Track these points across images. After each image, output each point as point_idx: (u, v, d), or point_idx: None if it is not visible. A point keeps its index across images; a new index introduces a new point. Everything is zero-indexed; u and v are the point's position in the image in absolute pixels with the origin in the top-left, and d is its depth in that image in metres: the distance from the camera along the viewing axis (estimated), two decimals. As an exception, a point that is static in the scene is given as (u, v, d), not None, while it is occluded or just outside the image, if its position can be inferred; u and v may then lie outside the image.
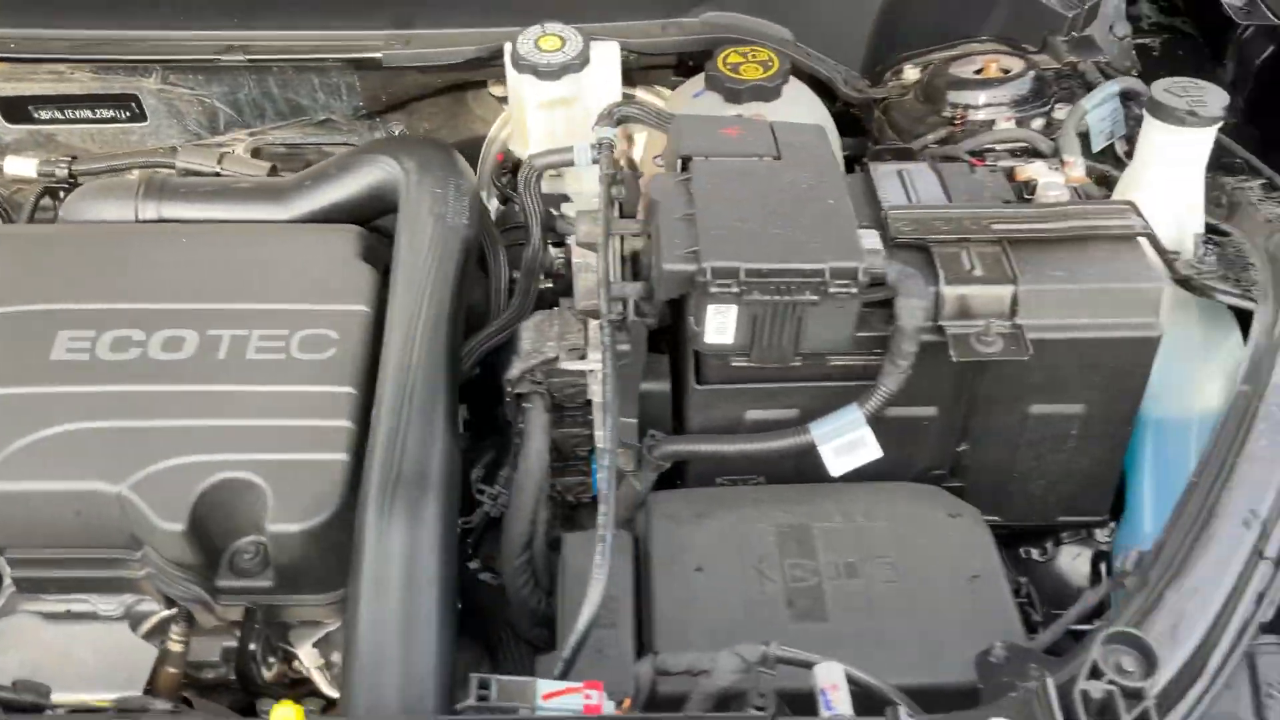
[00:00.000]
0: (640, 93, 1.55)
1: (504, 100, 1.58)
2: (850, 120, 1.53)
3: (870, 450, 1.06)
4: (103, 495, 1.02)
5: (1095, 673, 0.77)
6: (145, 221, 1.28)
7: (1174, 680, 0.80)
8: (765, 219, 1.06)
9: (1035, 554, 1.24)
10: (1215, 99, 1.18)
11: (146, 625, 1.09)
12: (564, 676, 0.85)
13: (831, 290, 1.02)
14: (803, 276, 1.02)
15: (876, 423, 1.10)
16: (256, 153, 1.60)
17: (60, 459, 1.04)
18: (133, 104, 1.59)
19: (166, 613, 1.08)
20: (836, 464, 1.06)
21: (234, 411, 1.07)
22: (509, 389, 1.14)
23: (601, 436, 1.05)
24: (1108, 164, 1.32)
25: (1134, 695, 0.76)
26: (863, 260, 1.02)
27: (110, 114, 1.61)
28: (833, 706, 0.80)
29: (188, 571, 1.04)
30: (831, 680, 0.81)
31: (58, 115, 1.60)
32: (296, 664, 1.13)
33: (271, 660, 1.08)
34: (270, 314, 1.14)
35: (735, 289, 1.02)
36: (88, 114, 1.61)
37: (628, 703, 0.85)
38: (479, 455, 1.29)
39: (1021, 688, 0.80)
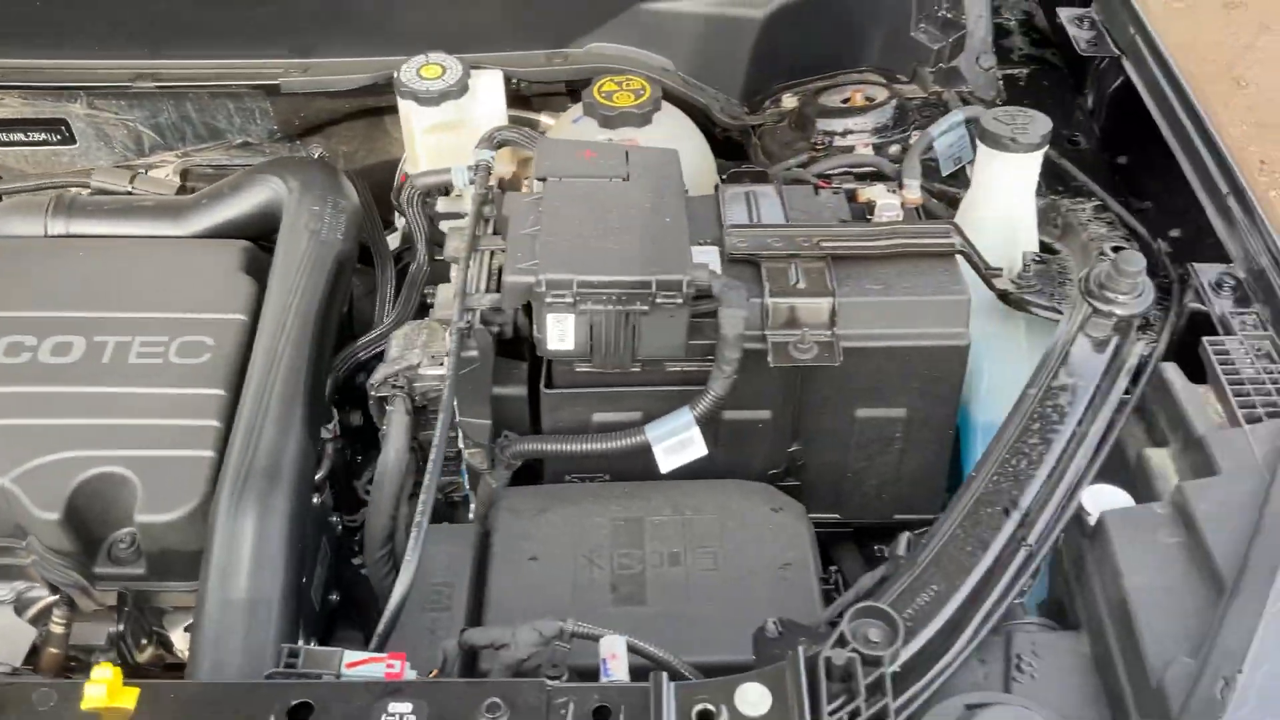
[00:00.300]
0: (544, 118, 1.65)
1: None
2: (736, 146, 1.62)
3: (698, 449, 1.15)
4: (-15, 485, 1.11)
5: (841, 642, 0.85)
6: (52, 237, 1.38)
7: (922, 651, 0.88)
8: (604, 235, 1.15)
9: (885, 550, 1.33)
10: (1038, 127, 1.28)
11: (33, 610, 1.18)
12: (380, 650, 0.94)
13: (659, 300, 1.11)
14: (632, 288, 1.11)
15: (716, 425, 1.19)
16: (185, 174, 1.69)
17: (-52, 450, 1.13)
18: (62, 128, 1.69)
19: (51, 598, 1.17)
20: (666, 461, 1.15)
21: (112, 411, 1.15)
22: (372, 392, 1.23)
23: (446, 435, 1.14)
24: (958, 187, 1.41)
25: (873, 663, 0.84)
26: (687, 273, 1.11)
27: (41, 137, 1.70)
28: (610, 673, 0.88)
29: (66, 559, 1.12)
30: (611, 650, 0.89)
31: (-13, 137, 1.70)
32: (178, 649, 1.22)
33: (144, 642, 1.16)
34: (153, 322, 1.23)
35: (569, 299, 1.11)
36: (20, 137, 1.70)
37: (434, 673, 0.93)
38: (371, 459, 1.37)
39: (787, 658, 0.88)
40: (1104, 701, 0.88)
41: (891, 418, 1.20)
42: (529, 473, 1.27)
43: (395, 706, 0.83)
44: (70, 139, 1.70)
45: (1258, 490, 0.91)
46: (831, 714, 0.81)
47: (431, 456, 1.04)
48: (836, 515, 1.27)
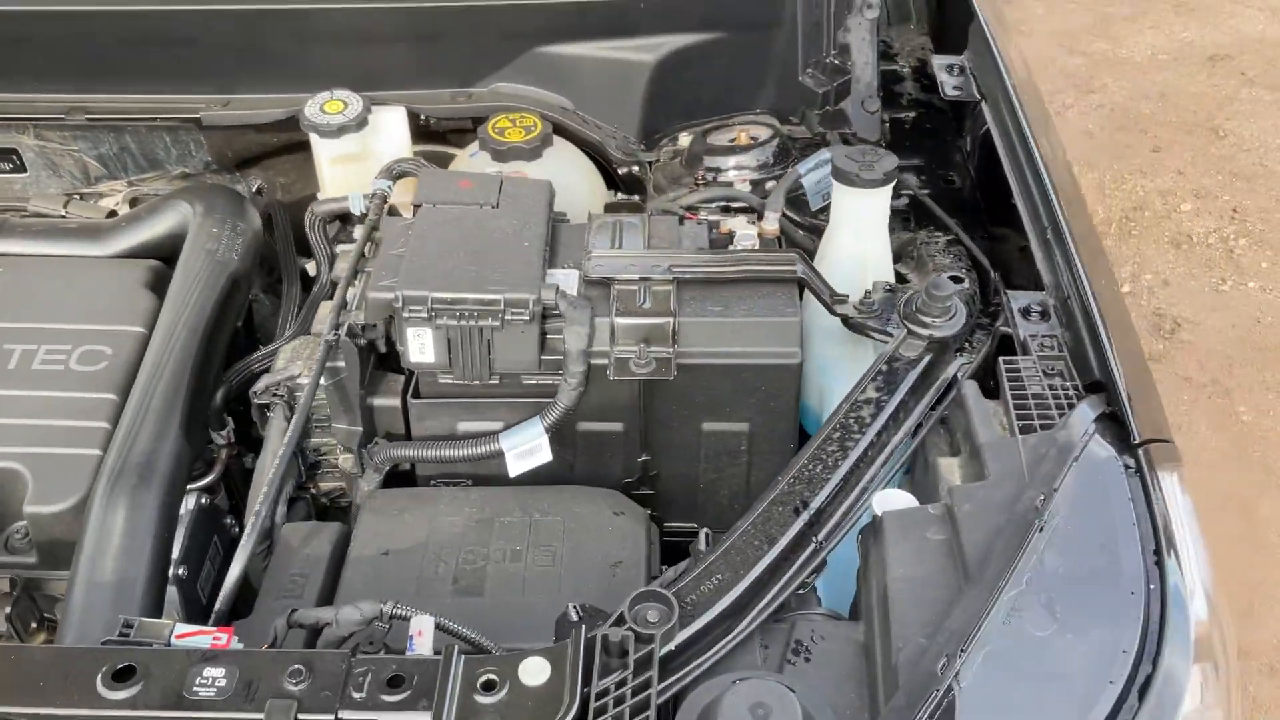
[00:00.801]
0: (454, 151, 1.76)
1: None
2: (637, 181, 1.72)
3: (544, 455, 1.24)
4: (-108, 477, 1.22)
5: (620, 622, 0.94)
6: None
7: (701, 633, 0.96)
8: (465, 256, 1.25)
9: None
10: (884, 164, 1.37)
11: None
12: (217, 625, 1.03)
13: (508, 317, 1.21)
14: (483, 305, 1.21)
15: (575, 436, 1.29)
16: (134, 202, 1.81)
17: None
18: (14, 157, 1.80)
19: (-44, 583, 1.27)
20: (515, 466, 1.24)
21: (11, 412, 1.26)
22: (254, 400, 1.33)
23: (297, 437, 1.24)
24: (823, 220, 1.50)
25: (645, 640, 0.93)
26: (535, 293, 1.21)
27: None
28: (414, 648, 0.97)
29: (-36, 549, 1.23)
30: (419, 628, 0.98)
31: (-66, 164, 1.82)
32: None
33: (34, 626, 1.25)
34: (59, 332, 1.34)
35: (425, 314, 1.21)
36: (-31, 166, 1.83)
37: (264, 647, 1.02)
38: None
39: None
40: (864, 682, 0.96)
41: (735, 431, 1.29)
42: (407, 479, 1.36)
43: (209, 671, 0.92)
44: (21, 168, 1.82)
45: (1015, 494, 0.99)
46: (601, 686, 0.90)
47: (278, 452, 1.14)
48: (694, 524, 1.35)
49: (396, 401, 1.33)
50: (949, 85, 1.63)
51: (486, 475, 1.31)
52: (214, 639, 0.97)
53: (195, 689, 0.91)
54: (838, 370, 1.36)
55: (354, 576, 1.17)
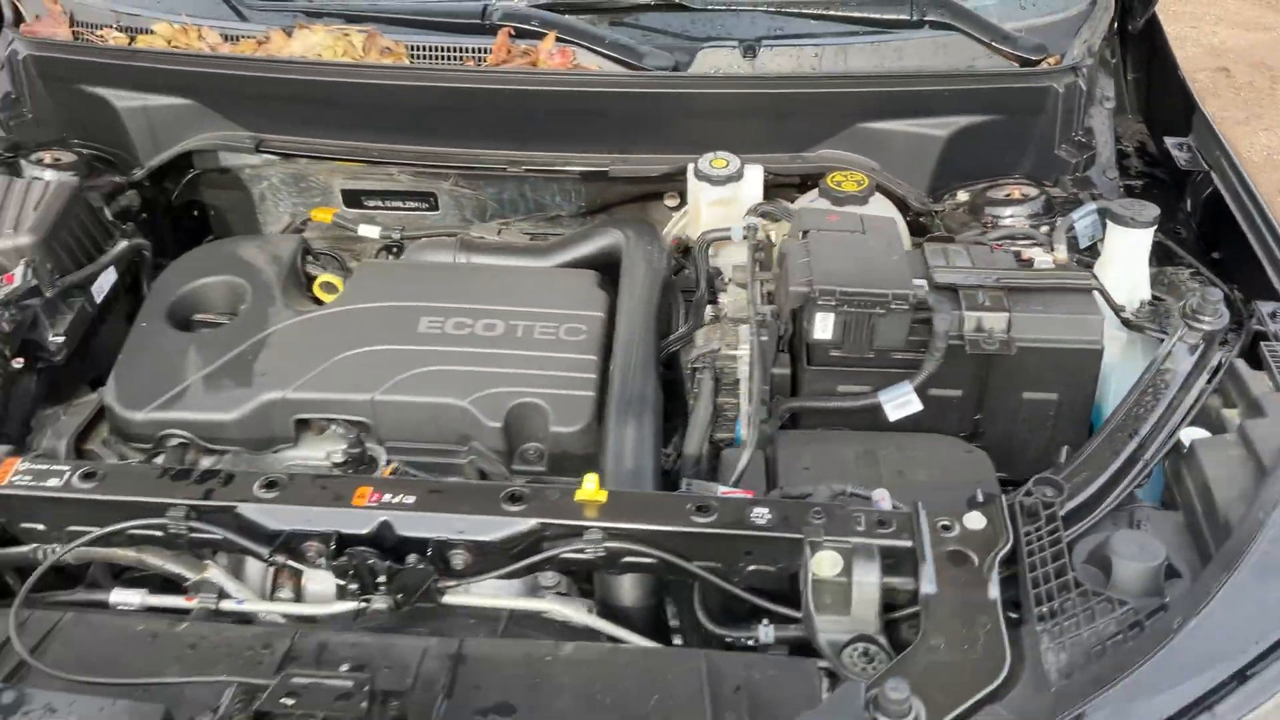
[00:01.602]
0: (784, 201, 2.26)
1: (674, 208, 2.29)
2: (922, 227, 2.21)
3: (916, 405, 1.71)
4: (453, 406, 1.73)
5: (1028, 494, 1.41)
6: (461, 263, 2.04)
7: (1077, 508, 1.42)
8: (852, 264, 1.75)
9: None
10: (1148, 212, 1.84)
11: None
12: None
13: (892, 306, 1.70)
14: (874, 297, 1.69)
15: (924, 399, 1.76)
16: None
17: (426, 386, 1.75)
18: (431, 198, 2.35)
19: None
20: (893, 414, 1.71)
21: (529, 364, 1.77)
22: (688, 367, 1.83)
23: (748, 398, 1.73)
24: (1092, 258, 1.97)
25: (1048, 505, 1.39)
26: (912, 289, 1.70)
27: (414, 205, 2.35)
28: (878, 505, 1.43)
29: (498, 457, 1.73)
30: (880, 496, 1.45)
31: (379, 204, 2.36)
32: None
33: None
34: (546, 314, 1.85)
35: (833, 301, 1.70)
36: (398, 204, 2.37)
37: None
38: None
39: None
40: (1191, 545, 1.40)
41: (1047, 400, 1.75)
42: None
43: (758, 510, 1.40)
44: (435, 207, 2.37)
45: (1290, 427, 1.45)
46: (1025, 534, 1.36)
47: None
48: (1005, 474, 1.80)
49: (788, 370, 1.81)
50: (1181, 159, 2.10)
51: (857, 424, 1.77)
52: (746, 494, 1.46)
53: (751, 519, 1.39)
54: (1114, 364, 1.81)
55: (785, 478, 1.64)
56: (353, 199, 2.34)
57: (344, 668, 1.23)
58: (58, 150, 2.21)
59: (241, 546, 1.43)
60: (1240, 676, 1.17)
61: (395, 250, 2.19)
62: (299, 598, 1.56)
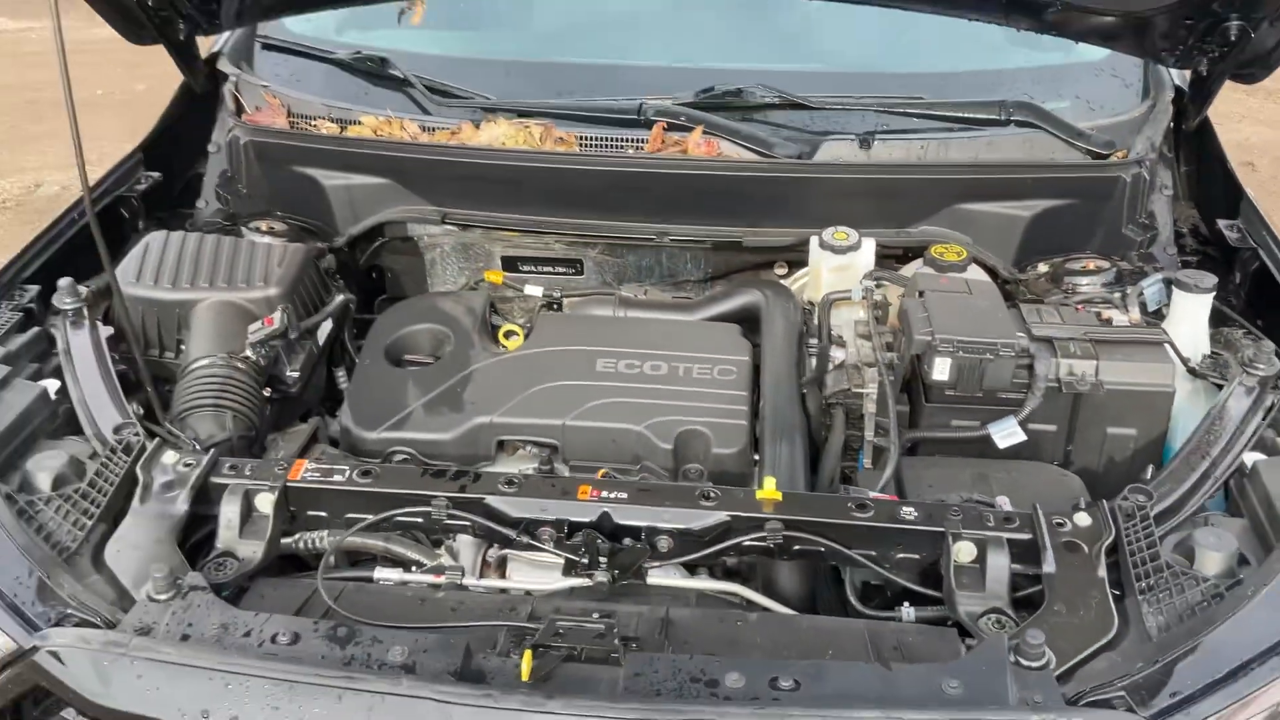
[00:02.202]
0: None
1: (783, 275, 2.67)
2: (1007, 294, 2.57)
3: (1020, 437, 2.04)
4: (630, 431, 2.09)
5: (1125, 499, 1.74)
6: (618, 317, 2.42)
7: (1161, 513, 1.75)
8: (964, 318, 2.10)
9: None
10: (1208, 280, 2.20)
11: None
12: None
13: (1000, 353, 2.05)
14: (986, 344, 2.05)
15: (1023, 431, 2.09)
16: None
17: (607, 414, 2.10)
18: (578, 264, 2.74)
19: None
20: (1001, 443, 2.05)
21: (690, 398, 2.13)
22: (824, 401, 2.18)
23: (872, 432, 2.08)
24: (1159, 320, 2.32)
25: (1141, 507, 1.73)
26: (1016, 340, 2.05)
27: (562, 270, 2.74)
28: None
29: (666, 475, 2.08)
30: (1002, 501, 1.79)
31: (533, 269, 2.76)
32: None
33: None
34: (701, 358, 2.22)
35: (951, 349, 2.05)
36: (549, 270, 2.76)
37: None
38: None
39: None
40: (1256, 542, 1.72)
41: (1127, 435, 2.08)
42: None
43: (907, 509, 1.75)
44: (580, 272, 2.75)
45: (1342, 448, 1.78)
46: (1125, 528, 1.69)
47: (891, 432, 1.99)
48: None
49: (907, 408, 2.16)
50: (1231, 238, 2.46)
51: (967, 452, 2.11)
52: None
53: (902, 515, 1.74)
54: (1181, 407, 2.15)
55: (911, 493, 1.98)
56: (511, 264, 2.74)
57: (594, 615, 1.57)
58: (270, 220, 2.62)
59: (490, 530, 1.78)
60: (1303, 630, 1.50)
61: (556, 306, 2.57)
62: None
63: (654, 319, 2.41)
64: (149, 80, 7.39)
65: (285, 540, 1.87)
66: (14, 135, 7.40)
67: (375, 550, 1.89)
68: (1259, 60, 2.33)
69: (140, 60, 7.82)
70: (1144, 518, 1.72)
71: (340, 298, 2.42)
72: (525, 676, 1.44)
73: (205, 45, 2.80)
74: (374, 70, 2.73)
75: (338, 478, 1.83)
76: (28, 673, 1.52)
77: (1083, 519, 1.73)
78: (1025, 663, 1.48)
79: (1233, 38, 2.22)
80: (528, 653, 1.46)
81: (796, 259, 2.60)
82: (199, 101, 2.80)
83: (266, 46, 2.86)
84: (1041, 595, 1.66)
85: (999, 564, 1.69)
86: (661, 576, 1.81)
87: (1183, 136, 2.75)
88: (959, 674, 1.45)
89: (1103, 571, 1.66)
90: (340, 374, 2.51)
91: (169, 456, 1.84)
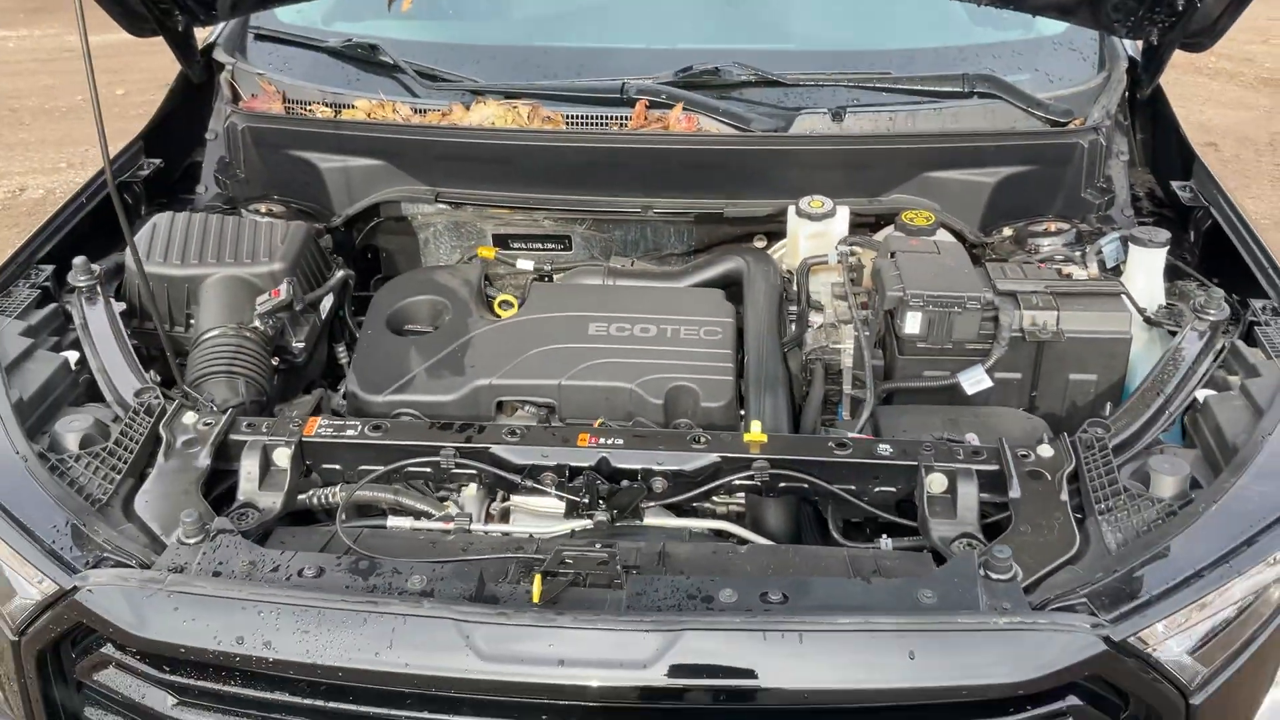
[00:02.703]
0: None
1: (763, 248, 2.80)
2: (974, 257, 2.71)
3: (986, 383, 2.18)
4: (623, 389, 2.21)
5: (1084, 432, 1.88)
6: (610, 284, 2.54)
7: (1123, 443, 1.89)
8: (935, 275, 2.24)
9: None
10: (1161, 235, 2.34)
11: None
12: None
13: (968, 306, 2.18)
14: (954, 298, 2.18)
15: (991, 377, 2.23)
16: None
17: (601, 373, 2.22)
18: (566, 240, 2.86)
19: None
20: (969, 389, 2.18)
21: (679, 357, 2.26)
22: (804, 359, 2.31)
23: (849, 385, 2.21)
24: (1113, 275, 2.46)
25: (1099, 439, 1.86)
26: (982, 293, 2.19)
27: (551, 246, 2.86)
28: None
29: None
30: (971, 437, 1.92)
31: (523, 246, 2.88)
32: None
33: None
34: (688, 320, 2.34)
35: (921, 303, 2.18)
36: (538, 246, 2.88)
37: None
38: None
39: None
40: (1207, 469, 1.86)
41: (1087, 380, 2.22)
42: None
43: (883, 446, 1.88)
44: (569, 247, 2.88)
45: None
46: (1085, 457, 1.83)
47: (868, 379, 2.12)
48: (1053, 439, 2.27)
49: (881, 362, 2.29)
50: (1184, 197, 2.61)
51: (937, 400, 2.24)
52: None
53: (879, 452, 1.86)
54: (1140, 358, 2.29)
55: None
56: (501, 242, 2.85)
57: (596, 546, 1.69)
58: (268, 203, 2.73)
59: (495, 476, 1.90)
60: (1248, 542, 1.63)
61: (547, 279, 2.69)
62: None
63: (642, 287, 2.53)
64: (127, 85, 7.47)
65: (300, 496, 1.98)
66: (-4, 141, 7.46)
67: (386, 503, 2.01)
68: (1205, 30, 2.47)
69: (120, 66, 7.89)
70: (1103, 448, 1.85)
71: (341, 273, 2.53)
72: (536, 599, 1.56)
73: (201, 37, 2.90)
74: (364, 57, 2.84)
75: (350, 432, 1.94)
76: (69, 612, 1.63)
77: (1045, 450, 1.87)
78: (994, 576, 1.61)
79: (1180, 8, 2.36)
80: (537, 577, 1.58)
81: (775, 230, 2.73)
82: (194, 93, 2.91)
83: (259, 37, 2.97)
84: (1008, 521, 1.79)
85: (968, 492, 1.82)
86: (659, 517, 1.94)
87: (1138, 105, 2.90)
88: (933, 585, 1.58)
89: (1065, 496, 1.79)
90: (340, 349, 2.62)
91: (189, 417, 1.95)
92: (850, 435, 1.97)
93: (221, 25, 2.94)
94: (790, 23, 3.08)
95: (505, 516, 2.06)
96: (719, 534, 1.98)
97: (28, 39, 9.72)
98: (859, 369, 2.27)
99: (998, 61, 2.83)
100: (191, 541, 1.68)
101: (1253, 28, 9.17)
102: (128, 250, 2.35)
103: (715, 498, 2.08)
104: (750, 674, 1.49)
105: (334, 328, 2.62)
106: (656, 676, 1.48)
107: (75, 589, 1.61)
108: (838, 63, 2.80)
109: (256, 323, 2.25)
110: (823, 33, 3.05)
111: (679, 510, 2.00)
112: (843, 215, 2.58)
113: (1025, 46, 2.93)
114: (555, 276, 2.69)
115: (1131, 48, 2.93)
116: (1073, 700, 1.55)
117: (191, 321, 2.33)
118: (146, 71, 7.82)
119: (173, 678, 1.61)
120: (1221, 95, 8.44)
